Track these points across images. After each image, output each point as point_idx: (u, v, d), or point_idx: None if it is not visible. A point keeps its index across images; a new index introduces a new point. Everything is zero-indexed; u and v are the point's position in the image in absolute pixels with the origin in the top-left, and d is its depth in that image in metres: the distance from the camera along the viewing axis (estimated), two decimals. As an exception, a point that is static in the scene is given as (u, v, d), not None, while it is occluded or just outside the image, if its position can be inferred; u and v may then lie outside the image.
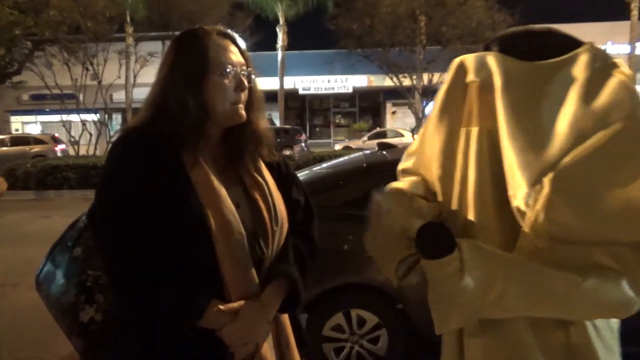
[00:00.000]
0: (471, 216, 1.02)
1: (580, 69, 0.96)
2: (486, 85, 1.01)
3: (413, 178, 1.20)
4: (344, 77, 26.42)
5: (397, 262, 1.04)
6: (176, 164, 1.09)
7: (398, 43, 17.59)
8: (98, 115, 16.91)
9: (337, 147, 21.17)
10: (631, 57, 21.59)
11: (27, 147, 17.70)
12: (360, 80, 26.62)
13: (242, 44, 1.19)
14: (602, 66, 0.96)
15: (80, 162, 12.00)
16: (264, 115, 1.22)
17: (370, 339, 2.88)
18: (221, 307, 1.08)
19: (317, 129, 31.05)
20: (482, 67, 1.03)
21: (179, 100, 1.08)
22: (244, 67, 1.16)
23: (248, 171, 1.19)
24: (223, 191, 1.11)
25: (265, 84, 24.98)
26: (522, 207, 0.91)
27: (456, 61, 1.09)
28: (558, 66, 0.98)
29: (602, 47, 1.00)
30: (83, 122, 16.14)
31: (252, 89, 1.18)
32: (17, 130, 28.43)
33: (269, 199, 1.18)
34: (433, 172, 1.13)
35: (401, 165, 1.28)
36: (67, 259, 1.15)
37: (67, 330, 1.13)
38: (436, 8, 16.57)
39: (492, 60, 1.02)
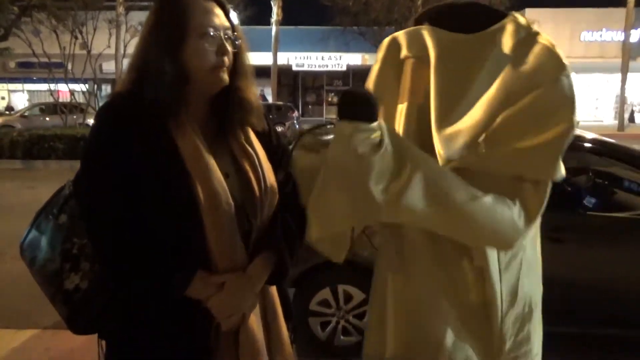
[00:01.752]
0: None
1: (506, 38, 0.99)
2: (420, 59, 1.03)
3: None
4: (338, 54, 26.13)
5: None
6: (162, 132, 1.06)
7: (394, 22, 17.41)
8: (87, 85, 16.59)
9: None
10: (625, 45, 21.60)
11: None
12: (354, 59, 26.36)
13: (228, 6, 1.14)
14: (527, 35, 0.99)
15: (68, 132, 11.82)
16: (252, 83, 1.18)
17: (356, 314, 2.91)
18: (207, 277, 1.07)
19: (310, 106, 30.83)
20: (414, 41, 1.04)
21: (156, 64, 1.05)
22: (229, 31, 1.11)
23: (237, 140, 1.17)
24: (212, 161, 1.09)
25: (259, 59, 24.78)
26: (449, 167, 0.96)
27: (387, 39, 1.10)
28: (487, 37, 1.01)
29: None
30: (71, 92, 15.83)
31: (238, 55, 1.14)
32: (2, 98, 27.91)
33: (259, 169, 1.16)
34: None
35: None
36: (52, 226, 1.13)
37: (52, 298, 1.12)
38: (433, -13, 16.41)
39: (425, 33, 1.03)
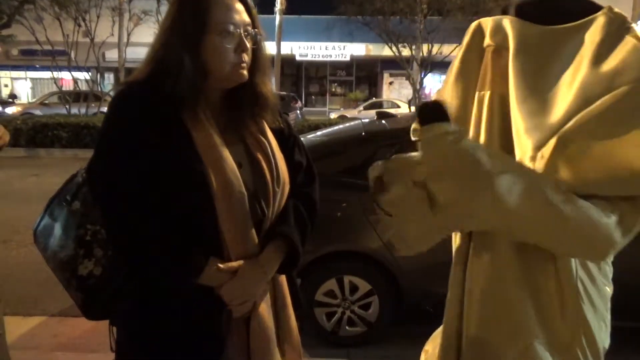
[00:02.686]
0: None
1: (594, 32, 0.94)
2: (500, 49, 1.01)
3: None
4: (341, 44, 25.98)
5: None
6: (177, 122, 1.06)
7: (399, 11, 17.22)
8: (90, 73, 16.54)
9: (333, 115, 21.04)
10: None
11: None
12: (358, 49, 26.21)
13: (251, 1, 1.14)
14: (617, 29, 0.93)
15: (71, 120, 11.82)
16: (269, 79, 1.19)
17: (361, 305, 2.93)
18: (220, 265, 1.08)
19: (313, 96, 30.74)
20: (498, 30, 1.02)
21: (176, 58, 1.05)
22: (249, 27, 1.11)
23: (251, 131, 1.17)
24: (225, 150, 1.09)
25: (262, 48, 24.57)
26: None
27: (473, 25, 1.08)
28: (573, 30, 0.96)
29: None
30: (75, 80, 15.79)
31: (257, 51, 1.14)
32: (6, 85, 27.87)
33: (272, 159, 1.16)
34: None
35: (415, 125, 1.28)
36: (66, 212, 1.13)
37: (66, 284, 1.13)
38: (439, -24, 16.22)
39: (507, 24, 1.01)
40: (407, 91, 22.81)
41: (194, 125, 1.07)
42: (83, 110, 15.33)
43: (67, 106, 15.53)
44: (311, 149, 3.35)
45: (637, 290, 2.34)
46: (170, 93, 1.05)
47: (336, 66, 29.31)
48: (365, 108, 21.25)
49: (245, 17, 1.11)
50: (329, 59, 27.60)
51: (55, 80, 16.04)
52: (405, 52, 18.10)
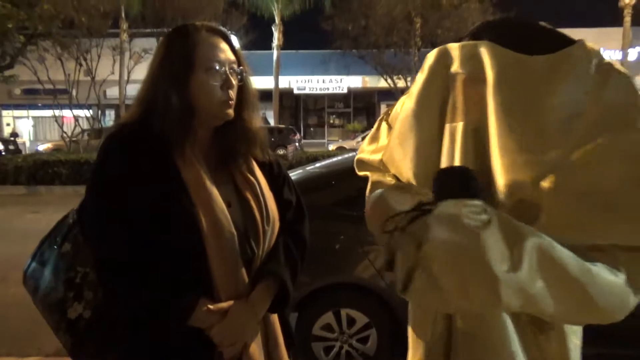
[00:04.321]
0: None
1: (576, 66, 0.89)
2: (475, 78, 0.93)
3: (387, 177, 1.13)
4: (338, 77, 26.41)
5: (386, 219, 0.92)
6: (167, 162, 1.08)
7: (393, 44, 17.62)
8: (91, 111, 16.77)
9: (331, 147, 21.16)
10: (623, 64, 21.80)
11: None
12: (355, 81, 26.62)
13: (235, 41, 1.18)
14: (599, 64, 0.89)
15: (71, 157, 11.90)
16: (258, 115, 1.21)
17: (359, 338, 2.88)
18: (210, 306, 1.08)
19: (312, 128, 31.02)
20: (470, 58, 0.94)
21: (164, 97, 1.08)
22: (234, 65, 1.14)
23: (240, 170, 1.19)
24: (214, 190, 1.10)
25: (260, 83, 25.04)
26: (520, 209, 0.86)
27: (437, 50, 1.00)
28: (554, 62, 0.90)
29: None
30: (76, 118, 16.00)
31: (243, 88, 1.17)
32: (8, 124, 28.17)
33: (261, 198, 1.17)
34: (406, 172, 1.04)
35: (363, 156, 1.22)
36: (56, 254, 1.14)
37: (55, 327, 1.12)
38: (431, 10, 16.63)
39: (483, 50, 0.93)
40: (405, 121, 23.01)
41: (183, 164, 1.09)
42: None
43: (69, 143, 15.66)
44: (308, 181, 3.41)
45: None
46: (161, 133, 1.07)
47: (334, 98, 29.70)
48: (363, 139, 21.37)
49: (230, 55, 1.14)
50: (326, 91, 28.00)
51: (56, 119, 16.23)
52: (401, 83, 18.38)
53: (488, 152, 0.90)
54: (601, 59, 0.90)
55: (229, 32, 1.17)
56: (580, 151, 0.83)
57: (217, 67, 1.11)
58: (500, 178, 0.88)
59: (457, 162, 0.95)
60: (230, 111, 1.14)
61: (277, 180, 1.26)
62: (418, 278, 0.83)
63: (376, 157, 1.18)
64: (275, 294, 1.16)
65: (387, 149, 1.12)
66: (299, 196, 1.30)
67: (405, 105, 1.07)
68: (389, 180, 1.14)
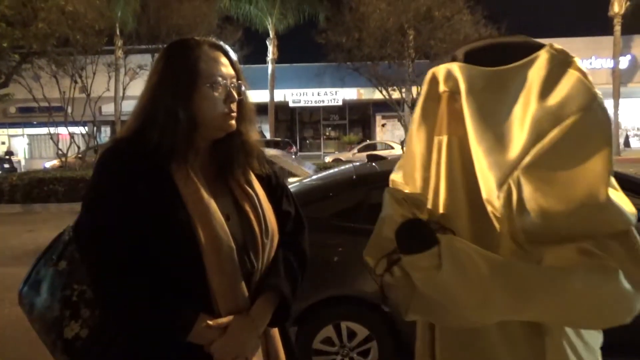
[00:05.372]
0: (447, 226, 1.02)
1: (538, 68, 0.98)
2: (454, 94, 1.05)
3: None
4: (333, 89, 26.56)
5: (377, 259, 1.06)
6: (165, 176, 1.07)
7: (387, 56, 17.72)
8: (86, 128, 16.76)
9: (327, 159, 21.21)
10: (614, 71, 22.02)
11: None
12: (350, 93, 26.77)
13: (234, 55, 1.19)
14: (559, 64, 0.97)
15: (67, 175, 11.86)
16: (255, 128, 1.22)
17: (360, 351, 2.85)
18: (210, 322, 1.06)
19: (308, 141, 31.10)
20: (449, 76, 1.06)
21: (168, 110, 1.08)
22: (234, 80, 1.16)
23: (238, 182, 1.18)
24: (212, 203, 1.10)
25: (256, 96, 24.85)
26: (497, 212, 0.93)
27: (429, 73, 1.12)
28: (517, 69, 1.00)
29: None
30: (71, 135, 16.00)
31: (242, 101, 1.18)
32: (3, 143, 28.12)
33: (259, 210, 1.17)
34: (416, 185, 1.16)
35: (393, 176, 1.31)
36: (52, 272, 1.12)
37: (51, 347, 1.10)
38: (424, 22, 16.77)
39: (456, 69, 1.04)
40: (400, 132, 23.14)
41: (181, 178, 1.09)
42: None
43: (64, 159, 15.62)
44: (305, 193, 3.40)
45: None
46: (159, 146, 1.06)
47: (329, 111, 29.85)
48: (360, 150, 21.48)
49: (231, 70, 1.16)
50: (321, 104, 28.14)
51: (51, 136, 16.21)
52: (396, 94, 18.49)
53: (471, 160, 1.00)
54: (564, 58, 0.98)
55: (227, 47, 1.18)
56: (537, 148, 0.91)
57: (220, 81, 1.12)
58: (481, 179, 0.97)
59: (443, 172, 1.06)
60: (233, 123, 1.15)
61: (275, 192, 1.25)
62: (415, 305, 1.02)
63: (399, 175, 1.29)
64: (275, 308, 1.15)
65: (403, 167, 1.27)
66: (297, 207, 1.29)
67: (410, 127, 1.21)
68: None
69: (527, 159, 0.91)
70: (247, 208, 1.16)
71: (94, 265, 1.05)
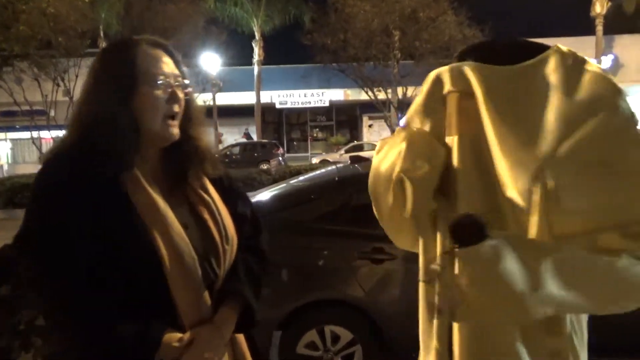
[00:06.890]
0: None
1: (554, 68, 1.00)
2: (466, 94, 1.04)
3: None
4: (320, 91, 26.55)
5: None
6: (115, 186, 1.01)
7: (372, 57, 17.74)
8: (70, 131, 16.52)
9: (315, 160, 21.20)
10: (597, 70, 22.31)
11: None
12: (336, 94, 26.78)
13: (177, 54, 1.14)
14: (574, 63, 1.00)
15: (50, 179, 11.68)
16: (205, 130, 1.16)
17: (345, 355, 2.83)
18: (175, 344, 1.01)
19: (295, 142, 31.07)
20: (459, 77, 1.05)
21: (107, 115, 1.01)
22: (179, 79, 1.10)
23: (194, 190, 1.14)
24: (170, 213, 1.05)
25: (242, 98, 25.11)
26: (532, 206, 0.93)
27: (432, 74, 1.12)
28: (531, 68, 1.02)
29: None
30: (54, 139, 15.77)
31: (189, 103, 1.12)
32: (-15, 147, 27.64)
33: (218, 217, 1.13)
34: None
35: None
36: None
37: None
38: (409, 23, 16.82)
39: (468, 69, 1.04)
40: (387, 133, 23.18)
41: (133, 188, 1.02)
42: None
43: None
44: (288, 196, 3.37)
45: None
46: (104, 153, 1.00)
47: (316, 112, 29.83)
48: (347, 151, 21.51)
49: (174, 69, 1.10)
50: (308, 105, 28.10)
51: (33, 140, 15.97)
52: (382, 95, 18.54)
53: (486, 157, 0.99)
54: (575, 57, 1.01)
55: (169, 45, 1.12)
56: (571, 141, 0.92)
57: (162, 80, 1.06)
58: (506, 178, 0.96)
59: (456, 169, 1.04)
60: (176, 131, 1.09)
61: (229, 194, 1.21)
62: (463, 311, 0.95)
63: None
64: (239, 313, 1.12)
65: None
66: (253, 210, 1.26)
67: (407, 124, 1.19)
68: None
69: (563, 148, 0.92)
70: (206, 216, 1.12)
71: (45, 290, 0.97)
